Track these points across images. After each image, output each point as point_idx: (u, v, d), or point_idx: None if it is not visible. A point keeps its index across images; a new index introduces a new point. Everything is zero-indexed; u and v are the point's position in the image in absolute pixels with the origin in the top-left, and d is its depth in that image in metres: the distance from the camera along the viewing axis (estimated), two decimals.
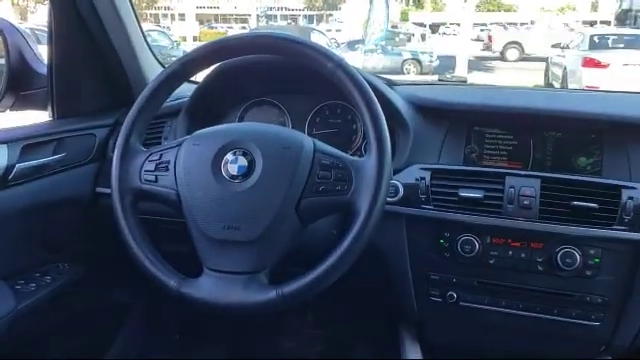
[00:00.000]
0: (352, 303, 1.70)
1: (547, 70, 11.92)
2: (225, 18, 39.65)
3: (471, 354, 1.14)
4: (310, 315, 1.84)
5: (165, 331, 1.80)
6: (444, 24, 29.83)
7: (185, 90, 1.24)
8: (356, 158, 0.90)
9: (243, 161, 0.89)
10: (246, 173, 0.88)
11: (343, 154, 0.91)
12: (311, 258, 0.87)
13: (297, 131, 0.96)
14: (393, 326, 1.37)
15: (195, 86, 1.28)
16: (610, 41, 10.66)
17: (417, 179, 1.15)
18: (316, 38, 13.10)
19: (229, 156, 0.90)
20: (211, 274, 0.88)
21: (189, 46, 13.22)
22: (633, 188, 1.08)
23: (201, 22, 30.52)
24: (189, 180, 0.90)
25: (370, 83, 0.92)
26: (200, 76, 1.17)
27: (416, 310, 1.24)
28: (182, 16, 25.14)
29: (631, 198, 1.06)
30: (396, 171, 1.16)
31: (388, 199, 1.12)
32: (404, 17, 34.73)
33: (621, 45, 10.42)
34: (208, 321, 1.75)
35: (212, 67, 1.17)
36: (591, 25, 26.60)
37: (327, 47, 0.99)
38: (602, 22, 29.13)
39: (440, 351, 1.31)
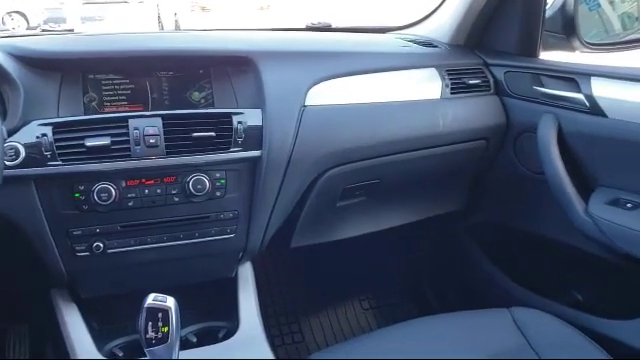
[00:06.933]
0: None
1: (159, 17, 12.15)
2: None
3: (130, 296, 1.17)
4: None
5: None
6: None
7: None
8: None
9: None
10: None
11: None
12: None
13: None
14: (46, 294, 1.30)
15: None
16: None
17: (38, 136, 1.09)
18: None
19: None
20: None
21: None
22: (241, 113, 1.24)
23: None
24: None
25: None
26: None
27: (65, 271, 1.21)
28: None
29: (240, 122, 1.22)
30: (12, 132, 1.07)
31: (8, 163, 1.05)
32: None
33: None
34: None
35: None
36: None
37: None
38: None
39: (96, 305, 1.31)
